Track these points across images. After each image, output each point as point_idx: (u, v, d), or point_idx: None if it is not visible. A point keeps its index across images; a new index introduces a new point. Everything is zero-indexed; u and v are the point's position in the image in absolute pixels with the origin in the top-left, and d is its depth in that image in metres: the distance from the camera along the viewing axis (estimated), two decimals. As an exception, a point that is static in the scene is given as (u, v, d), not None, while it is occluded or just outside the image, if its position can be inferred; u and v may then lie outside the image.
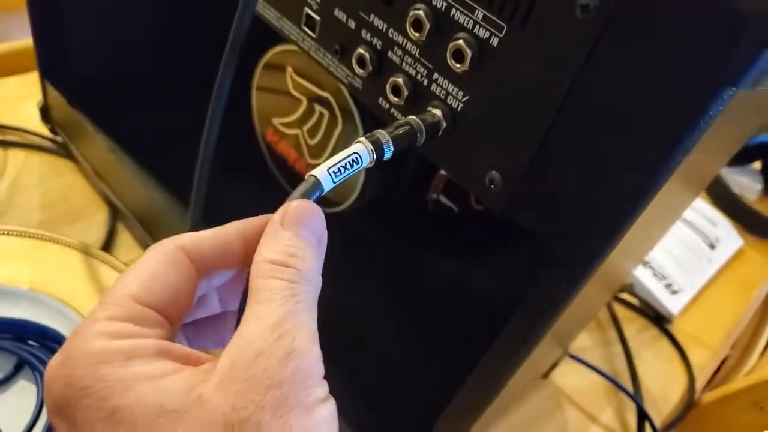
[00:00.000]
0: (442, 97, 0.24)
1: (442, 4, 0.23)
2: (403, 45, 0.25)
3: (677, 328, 0.62)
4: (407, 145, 0.23)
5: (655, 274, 0.65)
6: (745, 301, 0.68)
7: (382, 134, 0.22)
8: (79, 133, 0.52)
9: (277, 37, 0.31)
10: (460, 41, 0.22)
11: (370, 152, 0.22)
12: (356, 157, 0.21)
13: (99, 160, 0.52)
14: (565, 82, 0.20)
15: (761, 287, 0.69)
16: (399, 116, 0.26)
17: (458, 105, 0.24)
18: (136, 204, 0.49)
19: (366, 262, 0.44)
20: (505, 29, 0.21)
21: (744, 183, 0.82)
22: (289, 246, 0.18)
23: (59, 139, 0.56)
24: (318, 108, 0.37)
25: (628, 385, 0.55)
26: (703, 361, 0.60)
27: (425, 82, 0.24)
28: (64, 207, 0.52)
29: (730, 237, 0.73)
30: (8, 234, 0.46)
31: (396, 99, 0.26)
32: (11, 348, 0.40)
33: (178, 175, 0.38)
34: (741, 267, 0.72)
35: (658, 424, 0.53)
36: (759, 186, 0.81)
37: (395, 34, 0.25)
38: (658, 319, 0.62)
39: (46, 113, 0.55)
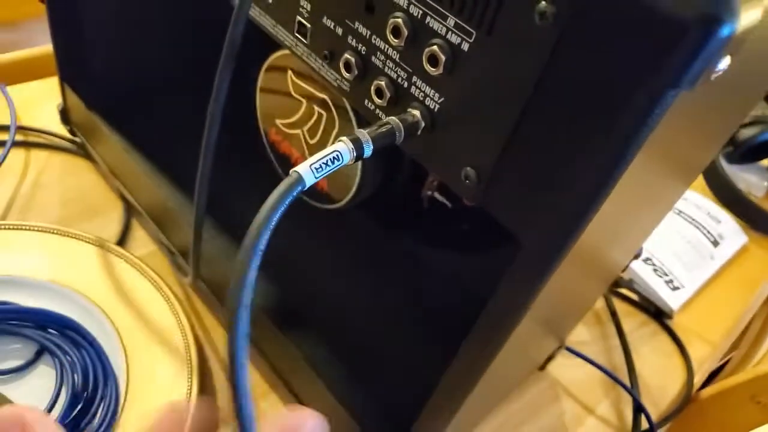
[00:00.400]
0: (421, 98, 0.26)
1: (418, 12, 0.24)
2: (385, 50, 0.26)
3: (677, 324, 0.63)
4: (387, 143, 0.25)
5: (655, 270, 0.66)
6: (748, 298, 0.68)
7: (362, 133, 0.24)
8: (96, 134, 0.55)
9: (278, 43, 0.33)
10: (435, 47, 0.24)
11: (351, 150, 0.24)
12: (337, 155, 0.23)
13: (114, 159, 0.54)
14: (528, 84, 0.22)
15: (765, 284, 0.70)
16: (382, 116, 0.28)
17: (435, 106, 0.25)
18: (149, 201, 0.52)
19: (363, 256, 0.46)
20: (474, 35, 0.23)
21: (751, 180, 0.82)
22: None
23: (77, 139, 0.58)
24: (317, 109, 0.39)
25: (626, 379, 0.56)
26: (703, 356, 0.61)
27: (405, 85, 0.26)
28: (82, 204, 0.55)
29: (734, 234, 0.73)
30: (30, 229, 0.49)
31: (379, 101, 0.28)
32: (33, 335, 0.43)
33: (188, 174, 0.40)
34: (745, 264, 0.72)
35: (654, 417, 0.54)
36: (766, 183, 0.82)
37: (377, 40, 0.26)
38: (658, 314, 0.63)
39: (65, 115, 0.58)
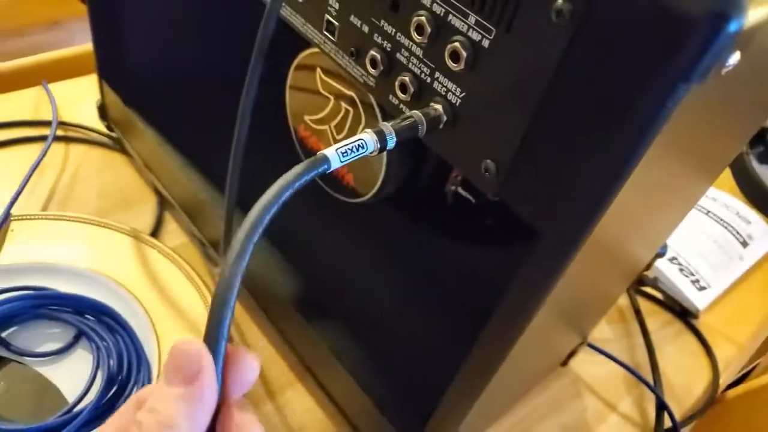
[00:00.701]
0: (443, 93, 0.27)
1: (441, 11, 0.25)
2: (409, 47, 0.27)
3: (703, 324, 0.63)
4: (410, 135, 0.26)
5: (681, 270, 0.65)
6: (776, 300, 0.67)
7: (386, 126, 0.25)
8: (132, 129, 0.57)
9: (307, 42, 0.34)
10: (457, 44, 0.25)
11: (375, 141, 0.25)
12: (362, 143, 0.24)
13: (149, 154, 0.56)
14: (545, 79, 0.23)
15: (795, 286, 0.69)
16: (406, 111, 0.29)
17: (457, 100, 0.26)
18: (182, 194, 0.54)
19: (387, 249, 0.47)
20: (494, 32, 0.24)
21: (783, 181, 0.81)
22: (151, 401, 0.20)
23: (114, 135, 0.61)
24: (344, 105, 0.41)
25: (649, 377, 0.56)
26: (729, 357, 0.61)
27: (428, 80, 0.27)
28: (118, 196, 0.57)
29: (764, 235, 0.73)
30: (69, 220, 0.51)
31: (403, 96, 0.29)
32: (71, 320, 0.45)
33: (219, 168, 0.41)
34: (775, 266, 0.71)
35: (678, 416, 0.54)
36: (798, 185, 0.81)
37: (402, 37, 0.27)
38: (684, 313, 0.62)
39: (103, 111, 0.60)
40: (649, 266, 0.56)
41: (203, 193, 0.51)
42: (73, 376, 0.43)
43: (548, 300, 0.27)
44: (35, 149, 0.57)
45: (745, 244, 0.71)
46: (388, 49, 0.28)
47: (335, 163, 0.23)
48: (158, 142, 0.54)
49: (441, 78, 0.27)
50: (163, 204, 0.57)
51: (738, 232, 0.71)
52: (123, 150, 0.60)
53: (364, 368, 0.42)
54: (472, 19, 0.24)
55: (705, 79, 0.19)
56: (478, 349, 0.31)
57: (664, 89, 0.20)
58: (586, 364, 0.56)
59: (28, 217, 0.50)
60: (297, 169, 0.23)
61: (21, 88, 0.64)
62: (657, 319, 0.62)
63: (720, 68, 0.19)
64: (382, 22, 0.28)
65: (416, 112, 0.26)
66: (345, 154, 0.24)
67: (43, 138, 0.59)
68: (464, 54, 0.25)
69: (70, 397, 0.42)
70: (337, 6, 0.30)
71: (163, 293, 0.48)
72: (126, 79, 0.56)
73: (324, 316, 0.45)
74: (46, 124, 0.60)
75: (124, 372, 0.43)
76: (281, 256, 0.48)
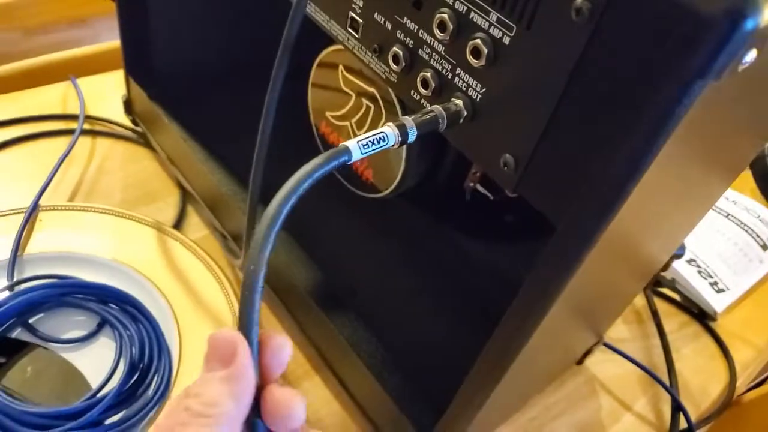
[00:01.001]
0: (464, 89, 0.27)
1: (463, 8, 0.26)
2: (431, 44, 0.28)
3: (721, 327, 0.62)
4: (430, 129, 0.27)
5: (700, 272, 0.65)
6: (796, 304, 0.67)
7: (407, 120, 0.26)
8: (156, 124, 0.58)
9: (329, 40, 0.35)
10: (478, 40, 0.26)
11: (396, 134, 0.25)
12: (383, 136, 0.25)
13: (172, 148, 0.57)
14: (564, 75, 0.23)
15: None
16: (427, 106, 0.29)
17: (477, 96, 0.27)
18: (204, 188, 0.55)
19: (405, 244, 0.48)
20: (514, 29, 0.24)
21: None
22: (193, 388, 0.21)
23: (139, 129, 0.62)
24: (365, 102, 0.41)
25: (665, 378, 0.56)
26: (747, 360, 0.61)
27: (449, 76, 0.28)
28: (142, 189, 0.58)
29: (785, 239, 0.72)
30: (94, 211, 0.52)
31: (425, 91, 0.29)
32: (95, 309, 0.46)
33: (241, 163, 0.42)
34: (795, 270, 0.71)
35: (694, 417, 0.54)
36: (821, 189, 0.80)
37: (424, 34, 0.28)
38: (701, 316, 0.62)
39: (128, 106, 0.61)
40: (666, 267, 0.56)
41: (225, 187, 0.52)
42: (97, 362, 0.44)
43: (563, 297, 0.28)
44: (63, 142, 0.59)
45: (765, 247, 0.70)
46: (411, 46, 0.29)
47: (356, 155, 0.24)
48: (182, 137, 0.55)
49: (462, 74, 0.27)
50: (185, 197, 0.58)
51: (758, 236, 0.71)
52: (147, 144, 0.62)
53: (380, 361, 0.43)
54: (493, 16, 0.25)
55: (721, 77, 0.20)
56: (491, 346, 0.32)
57: (681, 86, 0.20)
58: (601, 363, 0.56)
59: (55, 207, 0.52)
60: (318, 159, 0.23)
61: (50, 83, 0.66)
62: (674, 321, 0.62)
63: (736, 65, 0.19)
64: (405, 19, 0.29)
65: (437, 107, 0.27)
66: (366, 146, 0.24)
67: (70, 131, 0.60)
68: (485, 50, 0.25)
69: (94, 383, 0.43)
70: (361, 3, 0.31)
71: (184, 284, 0.49)
72: (151, 75, 0.58)
73: (341, 309, 0.46)
74: (73, 117, 0.62)
75: (146, 360, 0.44)
76: (302, 250, 0.49)
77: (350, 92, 0.43)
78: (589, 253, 0.25)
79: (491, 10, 0.25)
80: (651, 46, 0.20)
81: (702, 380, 0.57)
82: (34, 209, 0.51)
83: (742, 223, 0.72)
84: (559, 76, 0.23)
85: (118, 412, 0.42)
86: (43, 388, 0.43)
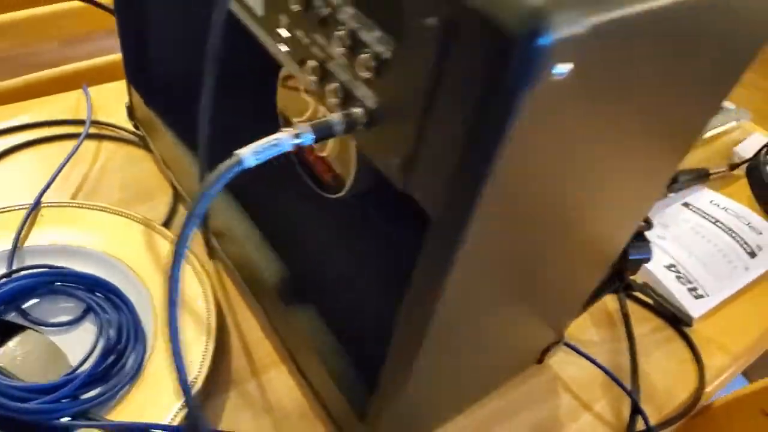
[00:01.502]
0: (361, 98, 0.30)
1: (354, 26, 0.29)
2: (335, 58, 0.31)
3: (697, 332, 0.63)
4: (325, 135, 0.30)
5: (679, 278, 0.66)
6: (781, 312, 0.66)
7: (302, 126, 0.29)
8: (153, 128, 0.63)
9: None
10: (368, 55, 0.28)
11: (290, 138, 0.28)
12: (276, 142, 0.28)
13: (166, 151, 0.62)
14: (430, 84, 0.26)
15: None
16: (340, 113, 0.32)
17: (371, 105, 0.30)
18: (192, 189, 0.59)
19: (364, 241, 0.51)
20: (393, 45, 0.27)
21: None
22: None
23: (140, 133, 0.67)
24: (321, 108, 0.45)
25: (630, 381, 0.57)
26: (721, 367, 0.61)
27: (350, 87, 0.31)
28: (139, 189, 0.63)
29: (775, 247, 0.72)
30: (89, 208, 0.57)
31: (335, 100, 0.32)
32: (83, 297, 0.51)
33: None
34: (785, 278, 0.70)
35: (654, 420, 0.55)
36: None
37: (330, 49, 0.31)
38: (676, 320, 0.63)
39: (131, 112, 0.66)
40: (635, 271, 0.57)
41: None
42: (79, 345, 0.49)
43: (461, 266, 0.30)
44: (72, 145, 0.64)
45: (753, 254, 0.70)
46: (322, 60, 0.32)
47: (249, 162, 0.27)
48: (173, 141, 0.59)
49: (359, 85, 0.30)
50: (177, 197, 0.62)
51: (746, 242, 0.71)
52: (147, 147, 0.66)
53: (330, 350, 0.46)
54: (377, 33, 0.28)
55: (535, 88, 0.22)
56: (404, 316, 0.34)
57: (504, 94, 0.22)
58: (565, 364, 0.57)
59: (55, 204, 0.57)
60: (217, 171, 0.27)
61: (69, 90, 0.72)
62: (648, 325, 0.63)
63: (547, 77, 0.22)
64: (316, 35, 0.32)
65: (334, 115, 0.30)
66: (259, 153, 0.28)
67: (79, 135, 0.66)
68: (372, 64, 0.28)
69: (75, 363, 0.48)
70: (286, 20, 0.34)
71: (165, 274, 0.54)
72: (149, 83, 0.62)
73: (300, 301, 0.49)
74: (82, 122, 0.67)
75: (123, 342, 0.49)
76: (269, 244, 0.53)
77: (309, 98, 0.46)
78: (467, 240, 0.28)
79: (375, 27, 0.28)
80: (479, 62, 0.23)
81: (669, 384, 0.58)
82: (37, 205, 0.56)
83: (730, 229, 0.71)
84: (426, 85, 0.26)
85: (94, 389, 0.46)
86: (31, 367, 0.48)
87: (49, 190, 0.59)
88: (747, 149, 0.81)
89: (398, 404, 0.40)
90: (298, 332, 0.48)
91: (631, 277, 0.65)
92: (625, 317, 0.61)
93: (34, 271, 0.51)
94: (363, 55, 0.29)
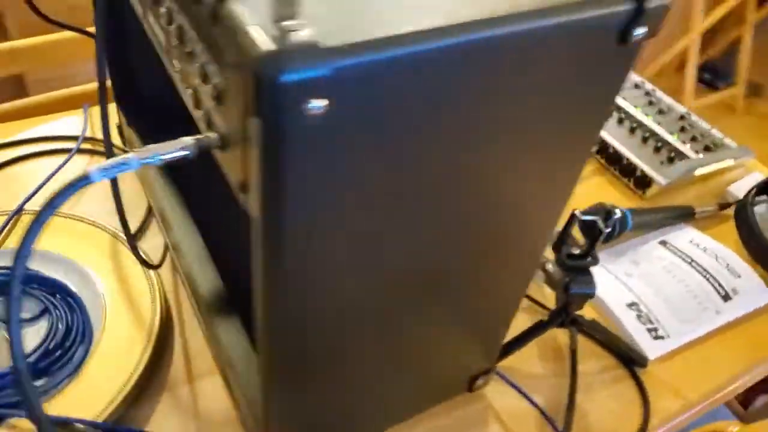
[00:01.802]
0: (216, 123, 0.33)
1: (204, 60, 0.32)
2: (202, 89, 0.34)
3: (652, 374, 0.61)
4: (178, 157, 0.32)
5: (639, 317, 0.64)
6: (750, 363, 0.63)
7: (154, 148, 0.32)
8: (135, 146, 0.68)
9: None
10: (210, 85, 0.31)
11: (139, 159, 0.31)
12: (125, 161, 0.31)
13: (143, 168, 0.67)
14: (241, 115, 0.28)
15: (780, 348, 0.64)
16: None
17: (222, 130, 0.32)
18: (158, 205, 0.63)
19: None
20: (219, 90, 0.30)
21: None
22: None
23: (127, 150, 0.72)
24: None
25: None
26: (674, 411, 0.59)
27: (211, 113, 0.34)
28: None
29: (754, 292, 0.68)
30: (65, 216, 0.62)
31: (204, 125, 0.35)
32: (41, 298, 0.56)
33: (184, 182, 0.50)
34: (761, 326, 0.67)
35: (590, 459, 0.54)
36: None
37: (196, 81, 0.34)
38: (629, 360, 0.61)
39: (120, 131, 0.72)
40: (580, 306, 0.57)
41: (168, 203, 0.60)
42: (30, 341, 0.53)
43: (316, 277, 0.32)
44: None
45: (727, 297, 0.67)
46: (195, 90, 0.35)
47: (96, 178, 0.30)
48: (147, 158, 0.64)
49: (213, 112, 0.33)
50: (150, 211, 0.67)
51: (721, 285, 0.68)
52: (132, 164, 0.72)
53: (245, 364, 0.48)
54: (214, 67, 0.31)
55: (298, 119, 0.24)
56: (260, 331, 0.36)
57: (273, 123, 0.25)
58: (500, 394, 0.57)
59: (36, 211, 0.62)
60: (64, 184, 0.30)
61: (71, 109, 0.79)
62: (600, 363, 0.62)
63: (302, 113, 0.24)
64: (188, 67, 0.35)
65: (188, 139, 0.33)
66: (107, 170, 0.31)
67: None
68: (215, 94, 0.31)
69: (24, 357, 0.52)
70: (176, 53, 0.38)
71: (122, 280, 0.58)
72: (130, 105, 0.68)
73: (225, 314, 0.52)
74: (76, 138, 0.73)
75: (71, 340, 0.53)
76: (210, 257, 0.56)
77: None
78: (288, 233, 0.30)
79: (212, 62, 0.31)
80: (251, 98, 0.25)
81: (610, 426, 0.57)
82: (19, 212, 0.62)
83: (705, 270, 0.69)
84: (239, 115, 0.28)
85: (39, 379, 0.51)
86: (-11, 358, 0.53)
87: (35, 199, 0.64)
88: (741, 189, 0.78)
89: (282, 415, 0.42)
90: (221, 343, 0.51)
91: (590, 313, 0.65)
92: (573, 353, 0.60)
93: (2, 271, 0.57)
94: (208, 85, 0.31)
